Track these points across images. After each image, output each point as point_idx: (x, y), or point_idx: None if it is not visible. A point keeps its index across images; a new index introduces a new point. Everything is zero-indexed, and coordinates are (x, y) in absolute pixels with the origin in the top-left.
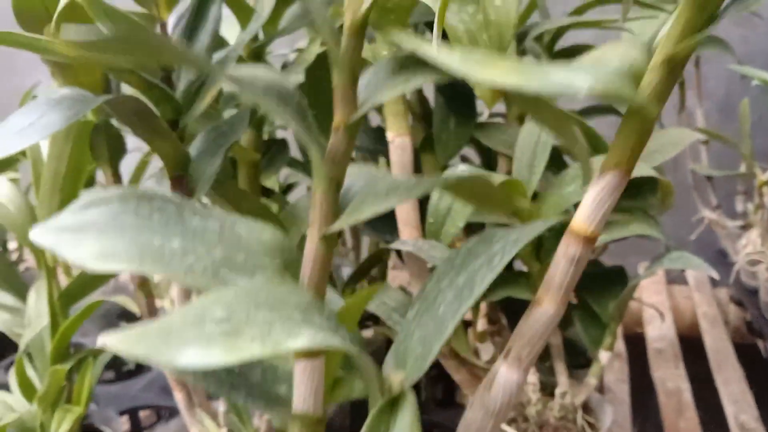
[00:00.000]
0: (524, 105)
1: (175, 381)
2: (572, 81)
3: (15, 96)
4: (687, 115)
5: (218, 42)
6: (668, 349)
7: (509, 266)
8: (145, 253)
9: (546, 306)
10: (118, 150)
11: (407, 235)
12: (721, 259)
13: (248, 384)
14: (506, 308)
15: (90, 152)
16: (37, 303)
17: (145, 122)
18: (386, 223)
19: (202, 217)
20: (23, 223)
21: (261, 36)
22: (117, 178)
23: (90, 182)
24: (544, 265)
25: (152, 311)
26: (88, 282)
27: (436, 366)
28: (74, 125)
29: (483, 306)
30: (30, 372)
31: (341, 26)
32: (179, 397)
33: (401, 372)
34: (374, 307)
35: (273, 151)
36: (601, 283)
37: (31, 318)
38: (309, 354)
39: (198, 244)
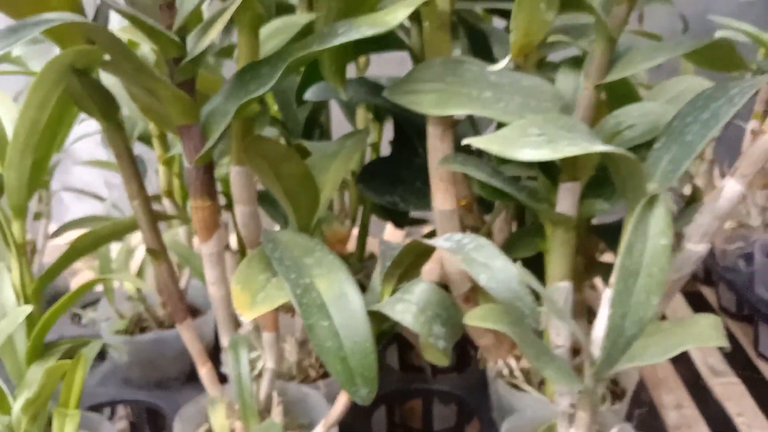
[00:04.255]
0: None
1: (199, 355)
2: None
3: None
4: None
5: None
6: None
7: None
8: (471, 100)
9: None
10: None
11: (441, 198)
12: None
13: (527, 191)
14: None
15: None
16: (1, 290)
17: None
18: (386, 182)
19: (497, 75)
20: None
21: None
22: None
23: None
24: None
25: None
26: (61, 262)
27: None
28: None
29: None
30: None
31: None
32: (203, 372)
33: (652, 183)
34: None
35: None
36: None
37: None
38: (572, 177)
39: (502, 93)
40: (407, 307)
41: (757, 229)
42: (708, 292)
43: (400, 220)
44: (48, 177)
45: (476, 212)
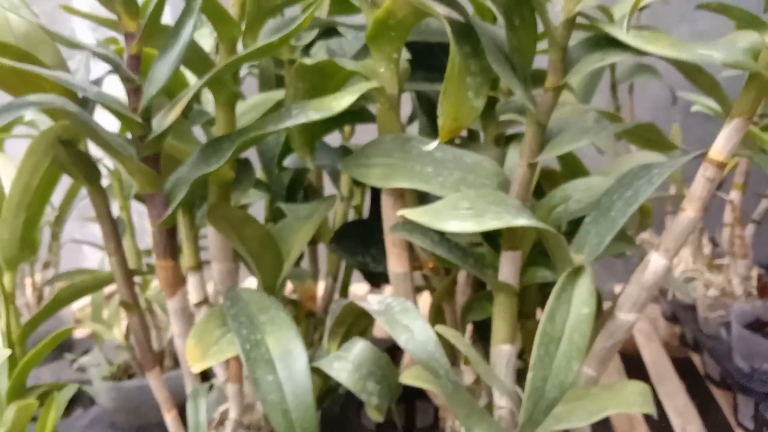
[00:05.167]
0: (679, 66)
1: (165, 402)
2: (712, 54)
3: None
4: (623, 143)
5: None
6: (610, 365)
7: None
8: (413, 175)
9: (689, 212)
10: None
11: (394, 261)
12: None
13: (473, 258)
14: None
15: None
16: None
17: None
18: (359, 243)
19: (442, 151)
20: None
21: None
22: (100, 194)
23: None
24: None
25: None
26: (49, 308)
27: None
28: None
29: (469, 328)
30: None
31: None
32: (168, 419)
33: (580, 255)
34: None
35: (240, 171)
36: None
37: None
38: (512, 247)
39: (443, 169)
40: (344, 365)
41: (739, 297)
42: (697, 359)
43: (376, 279)
44: (58, 230)
45: (443, 275)
